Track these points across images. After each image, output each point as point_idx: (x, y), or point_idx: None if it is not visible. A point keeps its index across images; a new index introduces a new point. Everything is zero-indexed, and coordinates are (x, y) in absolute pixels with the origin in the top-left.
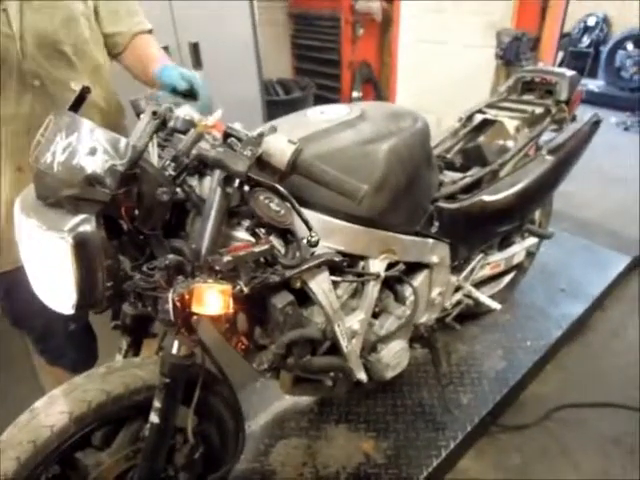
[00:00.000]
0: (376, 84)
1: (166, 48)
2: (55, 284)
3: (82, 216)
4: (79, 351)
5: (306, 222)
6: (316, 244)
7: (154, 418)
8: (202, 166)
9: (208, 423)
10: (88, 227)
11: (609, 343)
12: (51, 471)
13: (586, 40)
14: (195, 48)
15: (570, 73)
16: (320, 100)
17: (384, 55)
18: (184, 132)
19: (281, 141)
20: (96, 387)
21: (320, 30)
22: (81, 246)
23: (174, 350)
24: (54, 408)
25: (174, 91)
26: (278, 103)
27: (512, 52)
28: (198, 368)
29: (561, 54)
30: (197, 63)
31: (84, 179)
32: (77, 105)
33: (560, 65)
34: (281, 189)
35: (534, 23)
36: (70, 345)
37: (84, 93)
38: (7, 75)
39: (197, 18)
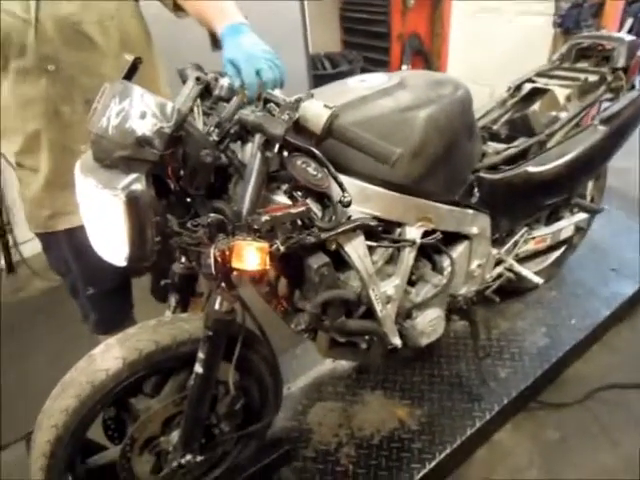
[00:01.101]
0: (427, 56)
1: None
2: (110, 239)
3: (133, 175)
4: (100, 315)
5: (340, 184)
6: (348, 204)
7: (198, 368)
8: (244, 132)
9: (248, 378)
10: (139, 185)
11: None
12: (107, 412)
13: None
14: None
15: (629, 38)
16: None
17: (436, 26)
18: (227, 100)
19: (317, 106)
20: (147, 337)
21: (369, 2)
22: (132, 203)
23: (217, 306)
24: (110, 354)
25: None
26: (325, 77)
27: (572, 19)
28: (239, 326)
29: (630, 21)
30: None
31: (135, 141)
32: (130, 75)
33: (629, 33)
34: (317, 152)
35: None
36: (91, 308)
37: (136, 63)
38: (24, 59)
39: None
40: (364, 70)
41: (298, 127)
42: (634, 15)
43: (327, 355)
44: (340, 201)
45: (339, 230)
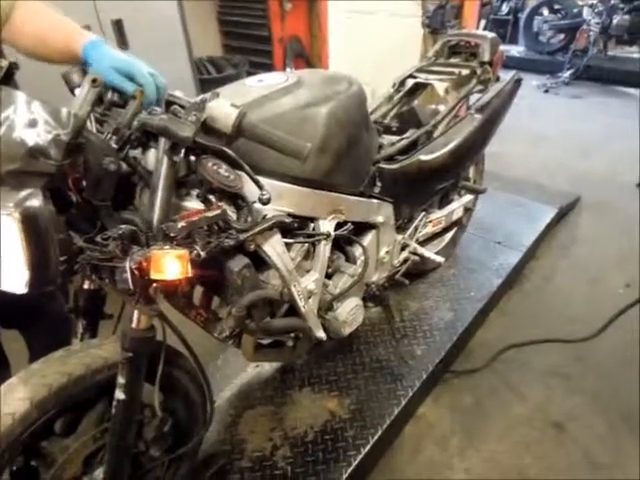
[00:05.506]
0: (308, 59)
1: (87, 27)
2: (4, 264)
3: (28, 190)
4: None
5: (257, 181)
6: (268, 201)
7: (119, 394)
8: (145, 138)
9: (174, 397)
10: (35, 201)
11: (542, 288)
12: (16, 463)
13: (505, 8)
14: (119, 26)
15: (491, 35)
16: None
17: (314, 29)
18: (122, 105)
19: (224, 105)
20: (55, 370)
21: (247, 6)
22: (30, 221)
23: (134, 323)
24: (13, 396)
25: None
26: (212, 81)
27: (437, 20)
28: (159, 344)
29: (483, 22)
30: (122, 42)
31: (27, 152)
32: (7, 82)
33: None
34: (229, 152)
35: None
36: None
37: (11, 69)
38: None
39: None
40: (250, 74)
41: (206, 127)
42: (486, 17)
43: (253, 359)
44: (260, 199)
45: (256, 230)
